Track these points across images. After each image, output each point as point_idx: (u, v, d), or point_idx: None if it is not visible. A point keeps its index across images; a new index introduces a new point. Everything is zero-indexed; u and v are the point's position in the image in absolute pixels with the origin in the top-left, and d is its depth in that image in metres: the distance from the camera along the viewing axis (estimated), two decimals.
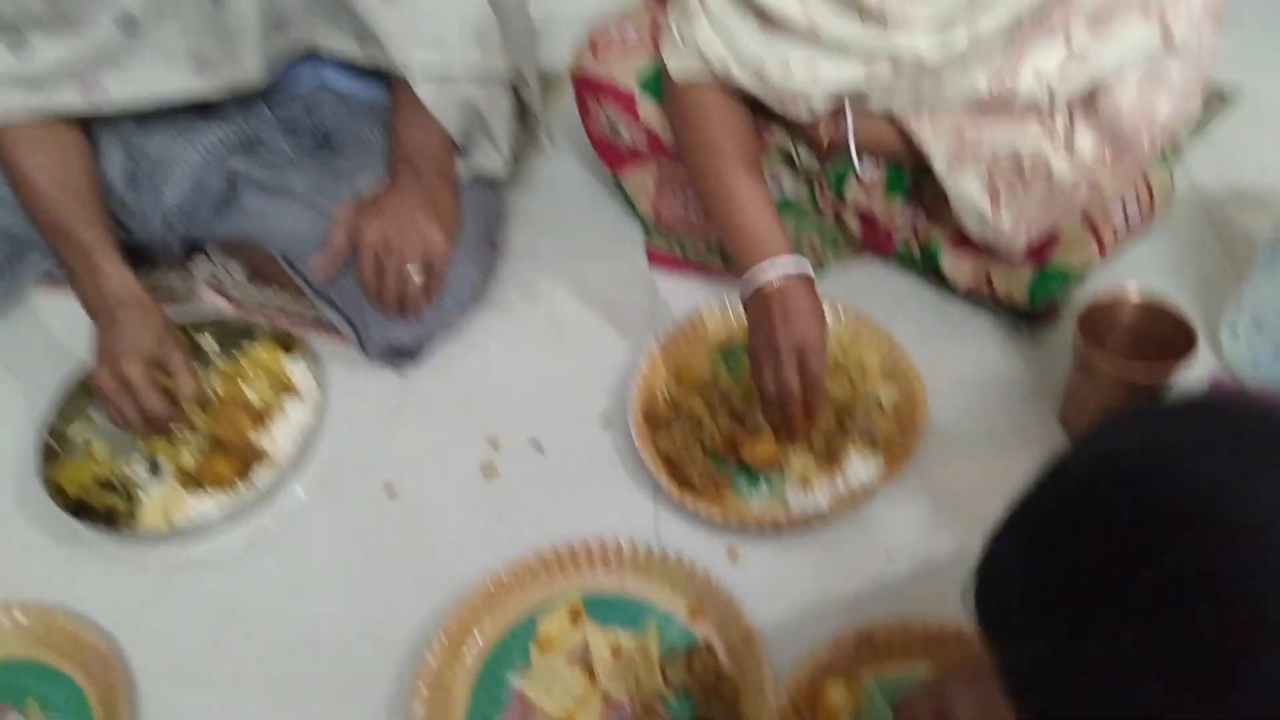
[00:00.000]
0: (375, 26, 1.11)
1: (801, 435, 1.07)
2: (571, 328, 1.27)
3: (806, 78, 1.02)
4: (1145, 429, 0.48)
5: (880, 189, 1.19)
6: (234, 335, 1.25)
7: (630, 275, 1.32)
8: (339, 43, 1.18)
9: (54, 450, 1.15)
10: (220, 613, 1.04)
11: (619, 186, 1.36)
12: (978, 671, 0.84)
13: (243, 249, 1.30)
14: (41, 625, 1.01)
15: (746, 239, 1.05)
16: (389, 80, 1.21)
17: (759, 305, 1.02)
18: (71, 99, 1.12)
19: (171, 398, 1.11)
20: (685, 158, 1.13)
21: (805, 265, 1.03)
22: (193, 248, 1.32)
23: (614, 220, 1.39)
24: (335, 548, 1.09)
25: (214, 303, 1.30)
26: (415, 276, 1.13)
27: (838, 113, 1.08)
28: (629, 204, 1.36)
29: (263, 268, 1.30)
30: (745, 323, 1.16)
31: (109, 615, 1.02)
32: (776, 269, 1.01)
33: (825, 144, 1.13)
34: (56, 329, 1.30)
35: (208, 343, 1.24)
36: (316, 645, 1.01)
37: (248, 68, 1.14)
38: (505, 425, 1.17)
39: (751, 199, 1.06)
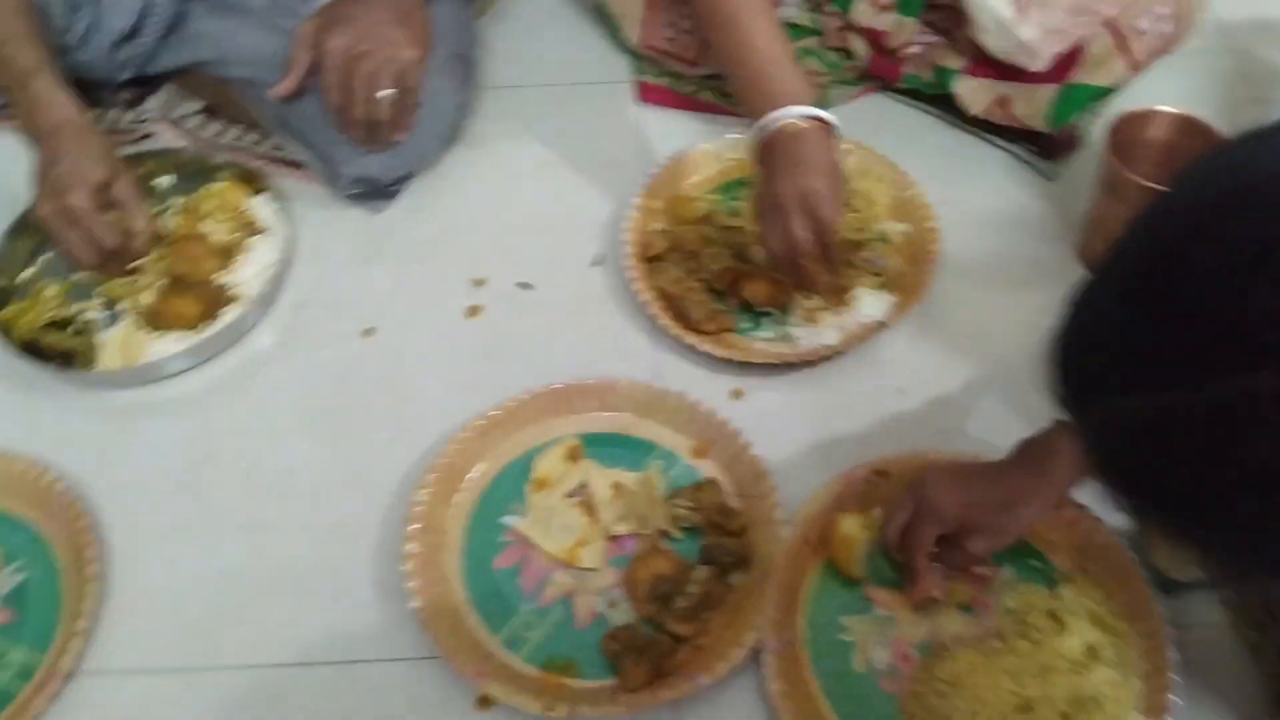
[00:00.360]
0: None
1: (818, 289, 0.98)
2: (557, 166, 1.18)
3: None
4: (1267, 149, 0.42)
5: (891, 5, 1.10)
6: (193, 174, 1.15)
7: (617, 111, 1.23)
8: None
9: (2, 292, 1.06)
10: (190, 457, 0.98)
11: (603, 14, 1.26)
12: (953, 465, 0.85)
13: (198, 82, 1.19)
14: (2, 471, 0.94)
15: (759, 82, 0.96)
16: None
17: (768, 155, 0.94)
18: None
19: (124, 230, 1.02)
20: None
21: (825, 114, 0.94)
22: (145, 83, 1.21)
23: (598, 52, 1.29)
24: (311, 390, 1.02)
25: (171, 141, 1.20)
26: (386, 94, 1.03)
27: None
28: (613, 33, 1.26)
29: (222, 103, 1.19)
30: (742, 158, 1.09)
31: (70, 462, 0.95)
32: (790, 116, 0.92)
33: None
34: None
35: (165, 181, 1.14)
36: (296, 489, 0.95)
37: None
38: (491, 266, 1.10)
39: (767, 38, 0.97)
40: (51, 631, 0.87)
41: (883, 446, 0.93)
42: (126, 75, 1.15)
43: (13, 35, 1.02)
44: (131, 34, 1.12)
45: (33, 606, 0.88)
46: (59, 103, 1.02)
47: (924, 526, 0.82)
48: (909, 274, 1.04)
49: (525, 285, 1.08)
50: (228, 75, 1.13)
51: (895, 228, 1.08)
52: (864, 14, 1.11)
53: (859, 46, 1.16)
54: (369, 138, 1.07)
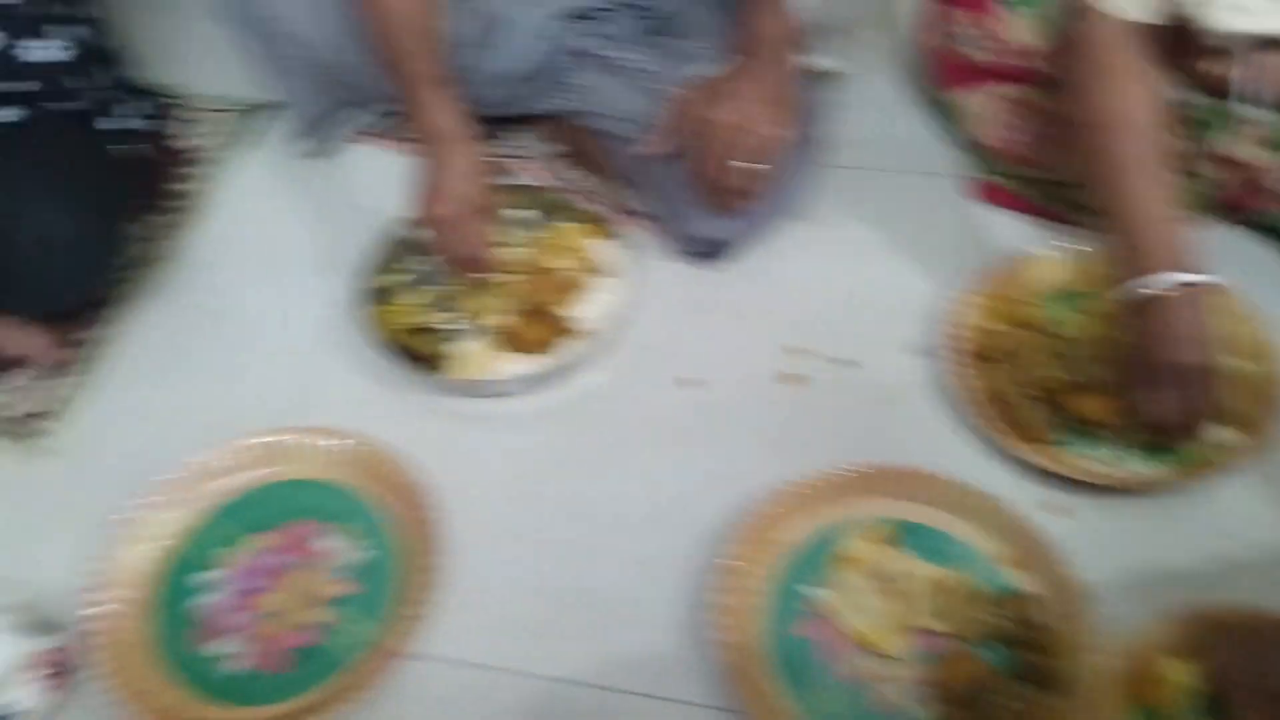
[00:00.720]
0: None
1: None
2: (886, 250, 1.21)
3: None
4: None
5: (1262, 137, 1.06)
6: (549, 212, 1.24)
7: (951, 203, 1.24)
8: None
9: (376, 294, 1.18)
10: (523, 472, 1.06)
11: (948, 108, 1.28)
12: None
13: (563, 126, 1.30)
14: (364, 454, 1.04)
15: (1141, 242, 0.94)
16: None
17: (1142, 318, 0.93)
18: None
19: (480, 242, 1.12)
20: (1082, 121, 1.01)
21: (1209, 278, 0.93)
22: (514, 121, 1.33)
23: (936, 143, 1.30)
24: (633, 428, 1.08)
25: (532, 176, 1.31)
26: (755, 169, 1.09)
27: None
28: (955, 127, 1.28)
29: (580, 150, 1.29)
30: (1081, 270, 1.09)
31: (421, 455, 1.04)
32: (1172, 285, 0.91)
33: (1210, 77, 1.01)
34: (379, 179, 1.32)
35: (524, 214, 1.24)
36: (613, 519, 1.02)
37: None
38: (812, 338, 1.13)
39: (1156, 194, 0.95)
40: (388, 609, 0.96)
41: (1211, 591, 0.89)
42: (512, 113, 1.27)
43: (413, 50, 1.12)
44: (522, 78, 1.23)
45: (375, 583, 0.98)
46: (444, 112, 1.11)
47: (1253, 681, 0.79)
48: (1253, 415, 1.00)
49: (845, 362, 1.11)
50: (596, 127, 1.22)
51: (1241, 365, 1.04)
52: (1241, 149, 1.07)
53: (1216, 175, 1.13)
54: (722, 203, 1.13)
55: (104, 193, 1.09)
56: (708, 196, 1.13)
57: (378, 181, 1.32)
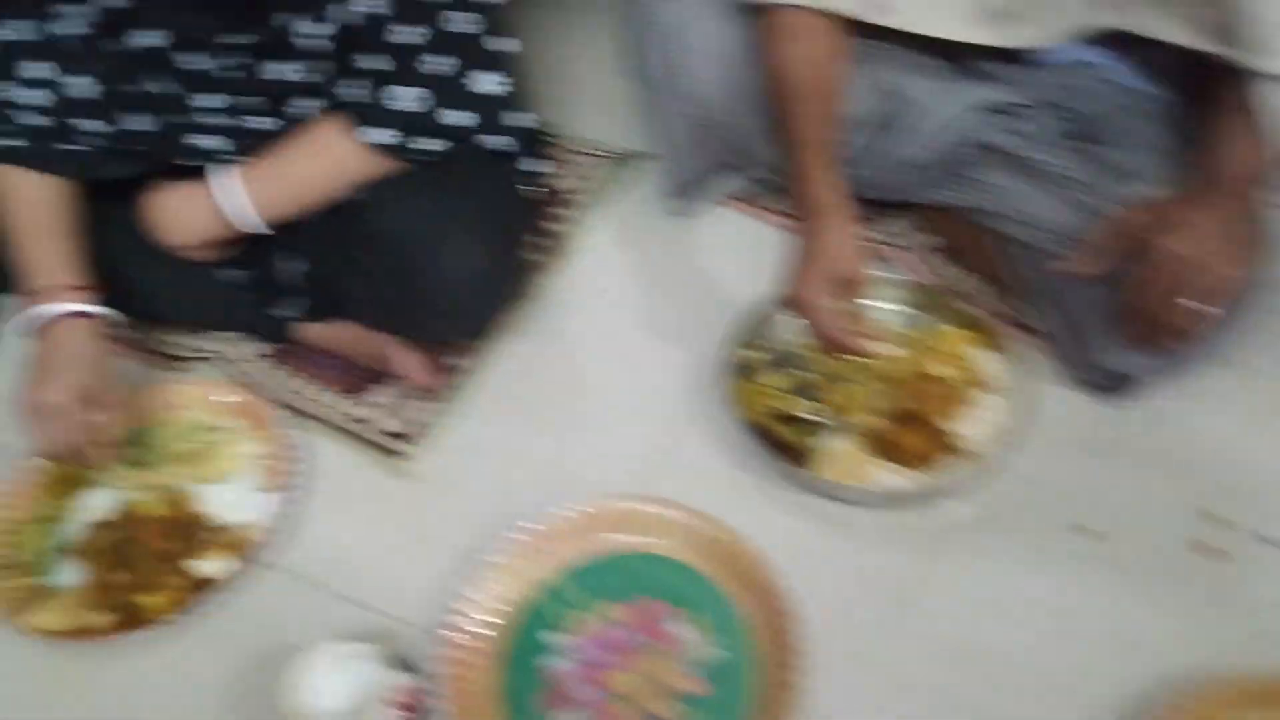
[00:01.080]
0: (1249, 12, 0.94)
1: None
2: None
3: None
4: None
5: None
6: (923, 307, 1.16)
7: None
8: (1169, 28, 1.03)
9: (737, 369, 1.13)
10: (889, 595, 0.98)
11: None
12: None
13: (948, 220, 1.22)
14: (722, 541, 0.99)
15: None
16: (1197, 76, 1.05)
17: None
18: (849, 4, 1.06)
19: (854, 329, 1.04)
20: None
21: None
22: (891, 206, 1.26)
23: None
24: (1016, 570, 0.98)
25: (907, 268, 1.23)
26: (1203, 310, 0.97)
27: None
28: None
29: (968, 245, 1.21)
30: None
31: (771, 551, 0.97)
32: None
33: None
34: (743, 246, 1.28)
35: (898, 308, 1.17)
36: (993, 672, 0.92)
37: (1041, 33, 1.05)
38: (1236, 505, 1.00)
39: None
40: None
41: None
42: (898, 199, 1.20)
43: (809, 115, 1.07)
44: (923, 165, 1.16)
45: (729, 688, 0.92)
46: (827, 185, 1.05)
47: None
48: None
49: (1276, 544, 0.97)
50: (998, 229, 1.13)
51: None
52: None
53: None
54: (1153, 340, 1.01)
55: (511, 230, 1.09)
56: (1136, 329, 1.01)
57: (742, 248, 1.28)
